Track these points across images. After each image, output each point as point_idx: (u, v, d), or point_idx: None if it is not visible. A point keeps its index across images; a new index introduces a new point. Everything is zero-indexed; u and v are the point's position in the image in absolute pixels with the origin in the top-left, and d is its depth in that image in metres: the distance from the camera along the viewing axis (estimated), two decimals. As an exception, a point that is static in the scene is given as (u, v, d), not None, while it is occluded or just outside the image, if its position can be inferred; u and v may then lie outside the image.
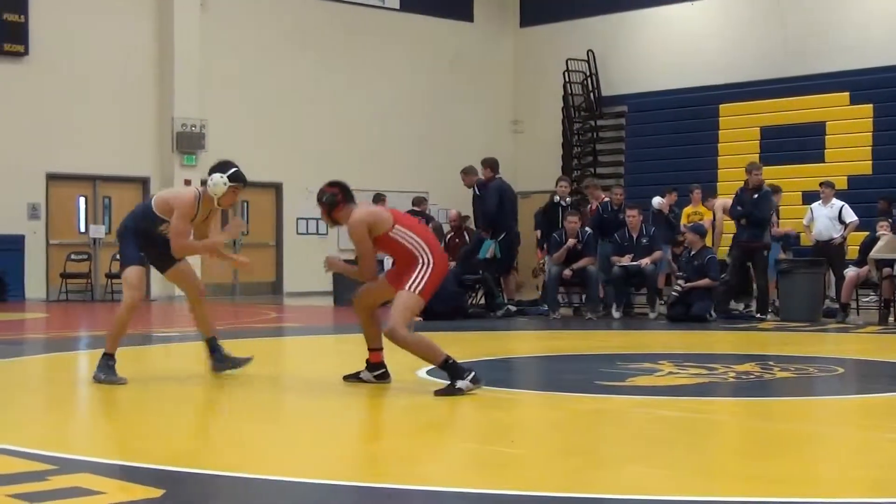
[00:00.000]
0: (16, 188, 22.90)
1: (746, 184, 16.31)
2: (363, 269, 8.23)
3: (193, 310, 9.09)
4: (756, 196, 16.12)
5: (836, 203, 17.39)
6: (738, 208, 16.22)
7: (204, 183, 8.66)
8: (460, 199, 20.79)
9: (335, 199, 8.24)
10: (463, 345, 9.11)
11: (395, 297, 7.91)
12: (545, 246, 17.35)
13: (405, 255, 8.01)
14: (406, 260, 8.01)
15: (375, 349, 8.39)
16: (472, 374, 7.73)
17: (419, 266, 7.93)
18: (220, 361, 8.98)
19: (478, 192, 17.41)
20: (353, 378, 8.42)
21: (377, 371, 8.37)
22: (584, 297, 17.30)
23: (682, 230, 17.82)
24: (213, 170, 8.70)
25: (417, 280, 7.89)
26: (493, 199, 17.09)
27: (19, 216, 23.05)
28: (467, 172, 17.81)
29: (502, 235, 17.05)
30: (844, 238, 17.44)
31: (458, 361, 7.80)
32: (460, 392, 7.62)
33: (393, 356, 8.29)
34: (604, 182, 21.88)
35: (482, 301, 17.61)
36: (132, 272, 8.61)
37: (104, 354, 8.61)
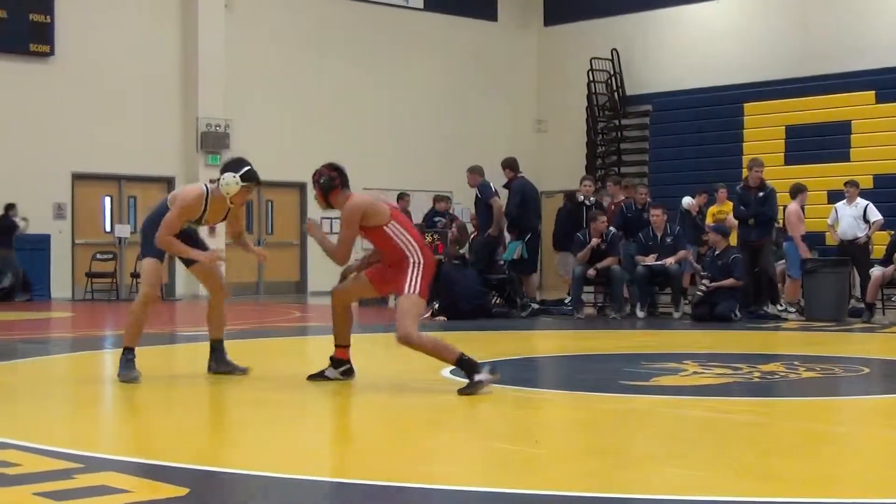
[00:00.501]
0: (41, 188, 23.02)
1: (746, 182, 16.37)
2: (338, 252, 8.24)
3: (211, 308, 9.05)
4: (761, 194, 16.16)
5: (861, 202, 17.29)
6: (743, 208, 16.25)
7: (215, 181, 8.63)
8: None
9: (333, 182, 8.25)
10: (487, 344, 9.11)
11: (398, 303, 7.95)
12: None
13: (395, 252, 8.03)
14: (395, 257, 8.03)
15: (343, 346, 8.50)
16: (489, 367, 7.74)
17: (411, 266, 7.95)
18: (219, 363, 8.95)
19: (479, 195, 17.31)
20: (319, 377, 8.46)
21: (342, 367, 8.46)
22: (608, 296, 17.26)
23: (706, 230, 17.76)
24: (225, 168, 8.70)
25: (413, 281, 7.91)
26: (515, 199, 17.06)
27: (45, 216, 23.17)
28: (472, 171, 17.56)
29: (528, 236, 17.01)
30: (869, 237, 17.35)
31: (482, 361, 7.80)
32: (481, 384, 7.63)
33: (413, 357, 8.29)
34: (628, 181, 21.77)
35: (502, 301, 17.56)
36: (147, 263, 8.65)
37: (124, 349, 8.62)
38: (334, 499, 4.85)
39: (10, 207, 22.07)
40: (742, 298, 15.87)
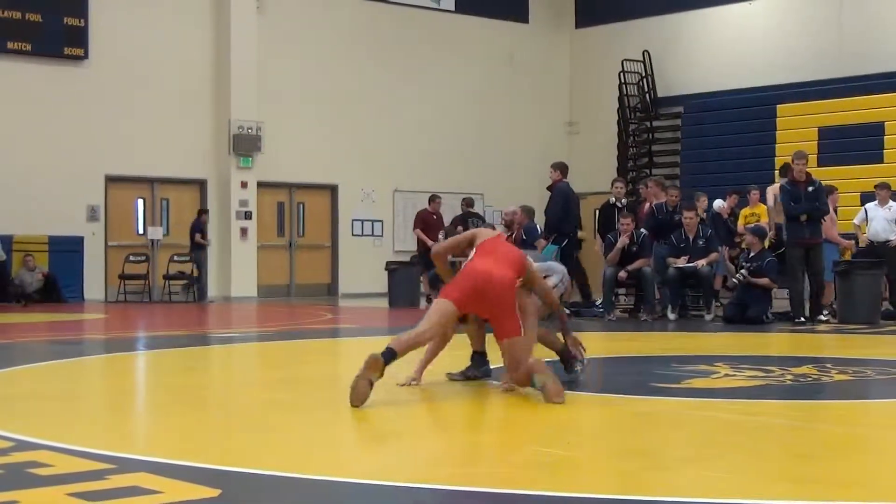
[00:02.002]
0: (75, 190, 23.18)
1: (791, 175, 15.57)
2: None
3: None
4: (811, 189, 15.41)
5: (894, 205, 17.17)
6: (793, 203, 15.40)
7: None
8: (516, 200, 20.78)
9: None
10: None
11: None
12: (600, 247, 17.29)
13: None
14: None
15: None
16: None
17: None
18: (476, 369, 8.74)
19: (525, 237, 17.17)
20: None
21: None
22: (639, 298, 17.22)
23: (740, 232, 17.66)
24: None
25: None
26: (559, 202, 17.04)
27: (79, 218, 23.34)
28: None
29: (565, 241, 16.97)
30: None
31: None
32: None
33: (451, 356, 8.29)
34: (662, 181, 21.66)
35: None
36: None
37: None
38: (366, 500, 4.86)
39: None
40: (795, 306, 15.47)
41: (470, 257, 7.97)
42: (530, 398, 7.57)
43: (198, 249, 23.44)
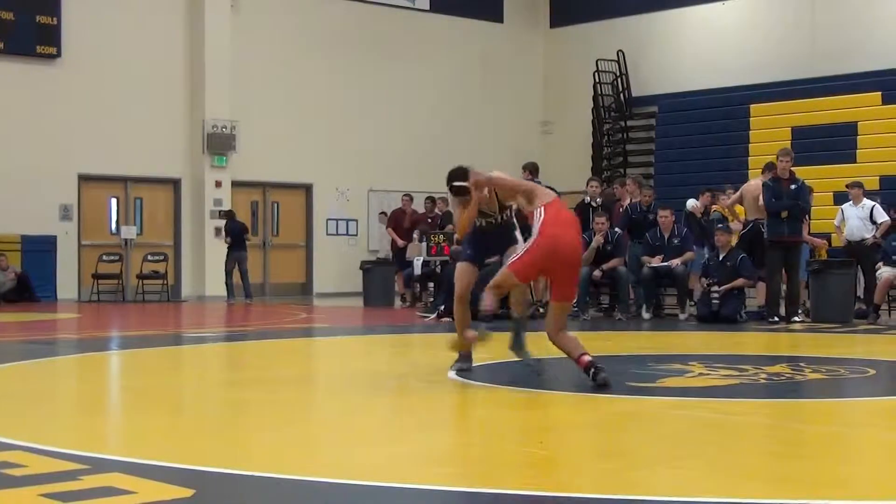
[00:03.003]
0: (48, 189, 23.06)
1: (774, 172, 15.62)
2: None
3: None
4: (793, 187, 15.43)
5: (868, 203, 17.25)
6: (774, 200, 15.41)
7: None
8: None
9: None
10: (493, 345, 9.11)
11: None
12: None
13: None
14: None
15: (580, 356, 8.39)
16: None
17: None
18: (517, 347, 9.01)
19: None
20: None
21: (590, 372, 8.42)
22: (613, 297, 17.25)
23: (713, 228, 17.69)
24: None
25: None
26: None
27: (52, 217, 23.21)
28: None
29: None
30: (876, 238, 17.30)
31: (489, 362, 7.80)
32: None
33: (417, 358, 8.28)
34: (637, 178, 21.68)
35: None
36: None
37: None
38: (339, 500, 4.85)
39: None
40: (770, 305, 15.51)
41: (539, 217, 8.23)
42: (510, 399, 7.57)
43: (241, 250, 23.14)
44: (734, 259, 15.69)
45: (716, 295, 15.56)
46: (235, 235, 22.86)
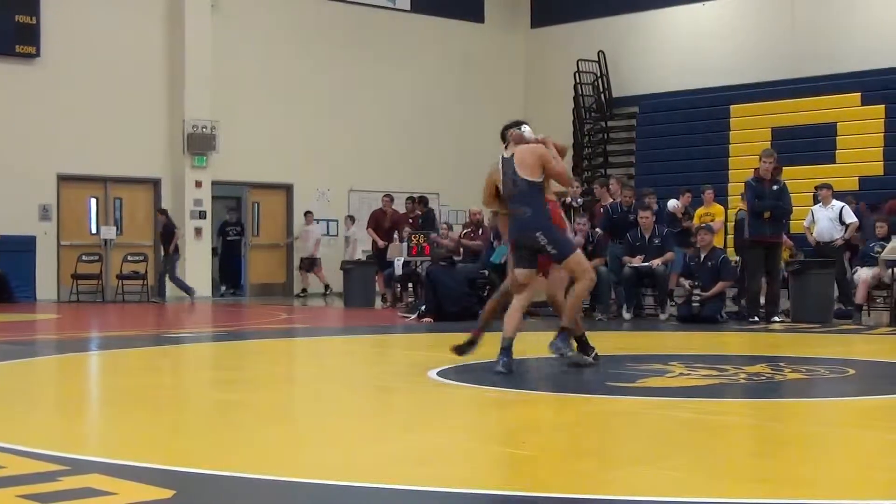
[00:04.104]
0: (27, 189, 22.96)
1: (757, 173, 15.68)
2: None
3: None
4: (775, 188, 15.53)
5: (837, 204, 17.34)
6: (758, 201, 15.46)
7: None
8: (470, 199, 20.81)
9: None
10: (482, 347, 9.15)
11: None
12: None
13: None
14: None
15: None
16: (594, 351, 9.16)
17: None
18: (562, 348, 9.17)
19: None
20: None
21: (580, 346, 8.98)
22: (594, 297, 17.25)
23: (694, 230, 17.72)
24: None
25: None
26: None
27: (31, 217, 23.11)
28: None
29: None
30: (846, 239, 17.34)
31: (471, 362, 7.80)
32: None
33: (399, 358, 8.28)
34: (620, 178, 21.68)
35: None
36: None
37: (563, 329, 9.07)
38: (320, 501, 4.84)
39: None
40: (750, 304, 15.61)
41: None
42: (492, 399, 7.57)
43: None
44: (716, 259, 15.72)
45: (697, 298, 15.60)
46: (170, 234, 22.82)
